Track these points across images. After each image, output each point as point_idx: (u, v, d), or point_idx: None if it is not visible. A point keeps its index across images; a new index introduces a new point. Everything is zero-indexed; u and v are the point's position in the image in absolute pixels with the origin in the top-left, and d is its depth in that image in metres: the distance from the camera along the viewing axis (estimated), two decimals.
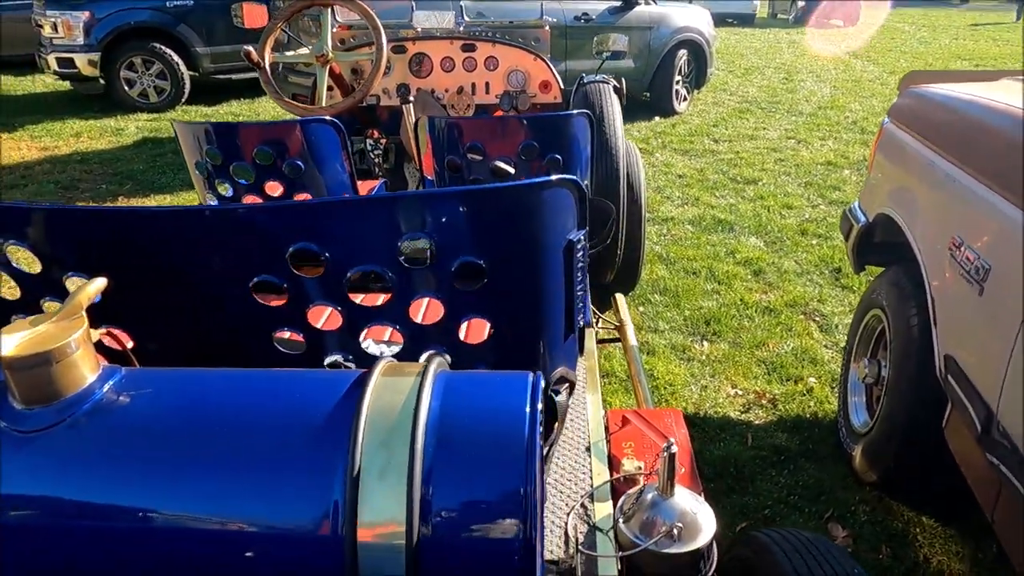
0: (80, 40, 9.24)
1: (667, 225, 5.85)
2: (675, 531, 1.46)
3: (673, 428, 1.94)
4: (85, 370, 0.90)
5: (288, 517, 0.83)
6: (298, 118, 2.44)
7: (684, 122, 9.17)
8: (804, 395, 3.67)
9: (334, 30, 3.49)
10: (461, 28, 3.76)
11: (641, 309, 4.55)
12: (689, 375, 3.86)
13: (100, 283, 0.97)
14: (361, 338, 1.30)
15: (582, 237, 1.35)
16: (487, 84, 3.61)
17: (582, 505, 1.69)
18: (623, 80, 3.68)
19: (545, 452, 1.48)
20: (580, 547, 1.54)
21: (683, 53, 9.33)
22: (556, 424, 1.48)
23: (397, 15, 3.76)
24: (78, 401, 0.88)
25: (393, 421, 0.85)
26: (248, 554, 0.83)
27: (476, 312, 1.27)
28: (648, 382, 3.75)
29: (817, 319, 4.42)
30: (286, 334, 1.30)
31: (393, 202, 1.17)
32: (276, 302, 1.23)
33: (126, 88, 9.64)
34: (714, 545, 1.56)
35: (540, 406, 0.89)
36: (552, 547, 1.57)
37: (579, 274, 1.39)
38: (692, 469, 1.80)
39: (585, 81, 3.49)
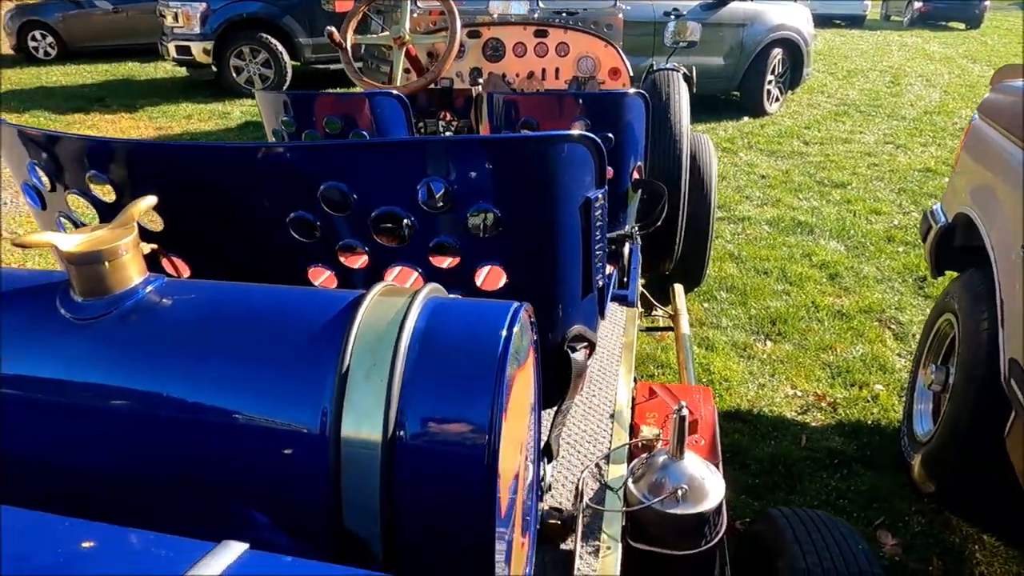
0: (197, 29, 9.96)
1: (743, 224, 5.72)
2: (680, 492, 1.48)
3: (700, 404, 1.94)
4: (133, 273, 1.04)
5: (285, 411, 0.93)
6: (369, 91, 2.59)
7: (774, 123, 8.89)
8: (868, 401, 3.53)
9: (414, 15, 3.65)
10: (536, 15, 3.84)
11: (705, 305, 4.48)
12: (747, 373, 3.78)
13: (150, 200, 1.11)
14: (385, 279, 1.40)
15: (600, 196, 1.39)
16: (557, 70, 3.66)
17: (596, 465, 1.73)
18: (694, 69, 3.64)
19: (562, 406, 1.54)
20: (589, 502, 1.58)
21: (778, 52, 9.04)
22: (572, 380, 1.52)
23: (475, 1, 3.86)
24: (124, 298, 1.02)
25: (382, 331, 0.93)
26: (248, 442, 0.93)
27: (491, 259, 1.34)
28: (703, 376, 3.71)
29: (893, 327, 4.22)
30: (320, 271, 1.42)
31: (412, 146, 1.26)
32: (310, 240, 1.34)
33: (234, 75, 10.31)
34: (723, 514, 1.57)
35: (517, 329, 0.95)
36: (562, 500, 1.62)
37: (597, 233, 1.43)
38: (713, 443, 1.80)
39: (655, 68, 3.48)
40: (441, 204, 1.28)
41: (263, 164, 1.27)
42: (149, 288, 1.05)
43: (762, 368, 3.82)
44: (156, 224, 1.42)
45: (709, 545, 1.52)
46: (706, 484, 1.52)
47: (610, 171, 2.57)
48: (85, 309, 1.00)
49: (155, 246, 1.23)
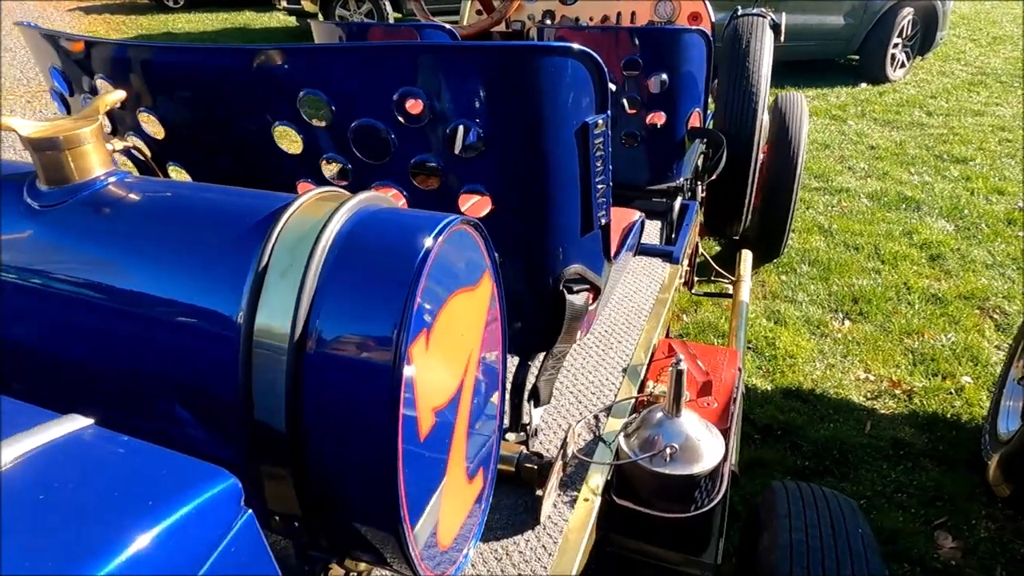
0: None
1: (839, 196, 5.29)
2: (669, 451, 1.37)
3: (722, 366, 1.80)
4: (94, 164, 1.05)
5: (207, 304, 0.91)
6: (419, 22, 2.54)
7: (895, 91, 8.13)
8: (951, 394, 3.20)
9: None
10: None
11: (783, 278, 4.20)
12: (817, 351, 3.52)
13: (118, 95, 1.12)
14: None
15: (601, 122, 1.28)
16: (633, 13, 3.46)
17: (595, 416, 1.64)
18: (783, 15, 3.33)
19: (554, 350, 1.46)
20: (577, 452, 1.50)
21: (908, 12, 8.20)
22: (566, 323, 1.44)
23: None
24: (83, 188, 1.03)
25: (304, 232, 0.89)
26: (169, 332, 0.93)
27: (475, 183, 1.27)
28: (766, 350, 3.49)
29: (996, 316, 3.79)
30: (308, 186, 1.39)
31: (384, 51, 1.19)
32: (295, 151, 1.32)
33: None
34: (720, 481, 1.45)
35: (450, 244, 0.88)
36: (550, 446, 1.55)
37: (598, 164, 1.32)
38: (726, 408, 1.66)
39: (739, 13, 3.21)
40: (422, 118, 1.21)
41: (243, 68, 1.24)
42: (110, 181, 1.06)
43: (834, 348, 3.55)
44: (159, 132, 1.44)
45: (699, 511, 1.41)
46: (701, 446, 1.41)
47: (662, 116, 2.41)
48: (45, 197, 1.02)
49: (128, 143, 1.24)
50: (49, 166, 1.02)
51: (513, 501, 1.40)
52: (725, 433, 1.59)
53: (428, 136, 1.23)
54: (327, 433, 0.86)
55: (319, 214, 0.91)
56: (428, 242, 0.86)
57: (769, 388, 3.25)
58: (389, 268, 0.85)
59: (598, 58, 1.22)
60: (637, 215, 1.85)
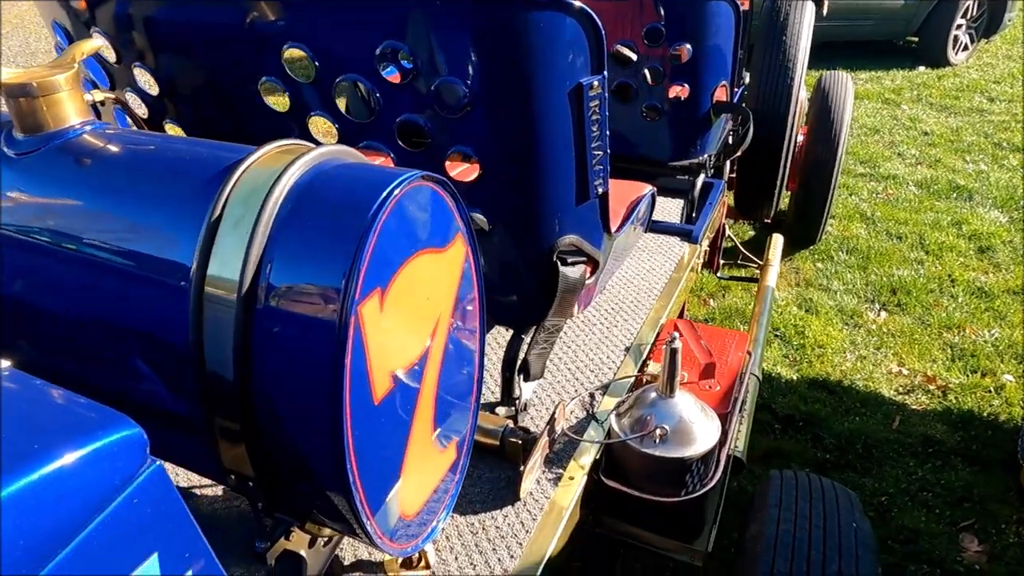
0: None
1: (886, 183, 5.06)
2: (659, 432, 1.32)
3: (729, 349, 1.72)
4: (69, 112, 1.04)
5: (163, 253, 0.89)
6: None
7: (956, 75, 7.72)
8: (990, 392, 3.04)
9: None
10: None
11: (818, 265, 4.04)
12: (848, 342, 3.39)
13: (94, 43, 1.10)
14: None
15: (597, 83, 1.21)
16: None
17: (591, 395, 1.59)
18: None
19: (545, 323, 1.41)
20: (567, 430, 1.46)
21: None
22: (558, 295, 1.38)
23: None
24: (56, 136, 1.02)
25: (259, 183, 0.86)
26: (127, 282, 0.91)
27: (462, 144, 1.22)
28: (794, 339, 3.38)
29: None
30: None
31: (364, 2, 1.14)
32: (282, 109, 1.29)
33: None
34: (715, 467, 1.39)
35: (412, 202, 0.84)
36: (540, 422, 1.51)
37: (594, 128, 1.26)
38: (728, 391, 1.59)
39: None
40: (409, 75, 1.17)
41: (228, 21, 1.22)
42: (85, 130, 1.05)
43: (867, 339, 3.40)
44: (154, 87, 1.43)
45: (688, 496, 1.35)
46: (695, 429, 1.35)
47: (685, 89, 2.31)
48: (20, 144, 1.02)
49: (109, 94, 1.23)
50: (23, 113, 1.01)
51: (496, 475, 1.37)
52: (725, 417, 1.53)
53: (414, 94, 1.18)
54: (274, 388, 0.84)
55: (276, 166, 0.88)
56: (382, 197, 0.82)
57: (794, 377, 3.14)
58: (340, 222, 0.82)
59: (594, 15, 1.15)
60: (647, 188, 1.77)
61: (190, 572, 0.65)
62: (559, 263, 1.37)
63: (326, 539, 1.13)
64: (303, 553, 1.09)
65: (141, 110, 1.50)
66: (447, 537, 1.23)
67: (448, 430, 1.10)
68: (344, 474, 0.84)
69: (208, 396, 0.87)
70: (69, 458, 0.53)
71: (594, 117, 1.24)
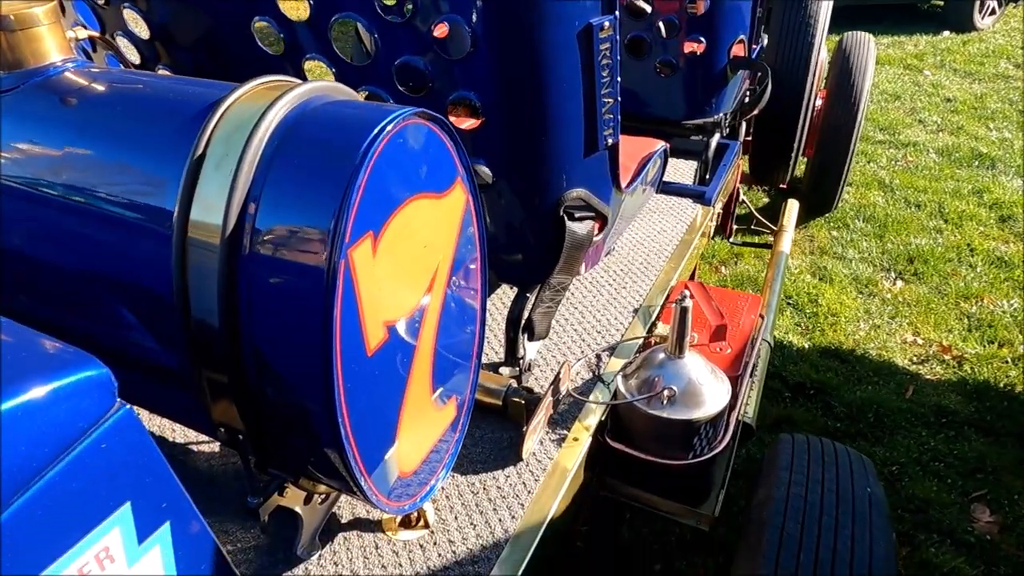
0: None
1: (905, 150, 4.93)
2: (667, 393, 1.27)
3: (742, 311, 1.67)
4: (49, 48, 0.99)
5: (147, 196, 0.85)
6: None
7: (981, 40, 7.49)
8: (1007, 363, 2.98)
9: None
10: None
11: (834, 233, 3.96)
12: (863, 310, 3.32)
13: None
14: None
15: (608, 24, 1.14)
16: None
17: (597, 355, 1.54)
18: None
19: (551, 281, 1.36)
20: (572, 391, 1.42)
21: None
22: (564, 252, 1.33)
23: None
24: (36, 73, 0.98)
25: (244, 120, 0.81)
26: (110, 225, 0.87)
27: (463, 89, 1.16)
28: (807, 307, 3.31)
29: None
30: None
31: None
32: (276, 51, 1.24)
33: None
34: (724, 430, 1.35)
35: (391, 132, 0.79)
36: (545, 383, 1.47)
37: (604, 74, 1.19)
38: (740, 354, 1.54)
39: None
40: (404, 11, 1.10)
41: None
42: (68, 67, 1.00)
43: (882, 308, 3.33)
44: (144, 31, 1.37)
45: (696, 460, 1.31)
46: (703, 391, 1.30)
47: (701, 44, 2.22)
48: (1, 82, 0.97)
49: (95, 32, 1.18)
50: (3, 48, 0.97)
51: (498, 436, 1.33)
52: (736, 380, 1.48)
53: (414, 34, 1.12)
54: (262, 337, 0.80)
55: (262, 102, 0.83)
56: (374, 133, 0.76)
57: (806, 346, 3.09)
58: (328, 162, 0.76)
59: None
60: (659, 144, 1.70)
61: (167, 524, 0.62)
62: (566, 218, 1.32)
63: (323, 496, 1.10)
64: (298, 510, 1.06)
65: (134, 57, 1.45)
66: (447, 497, 1.20)
67: (448, 387, 1.06)
68: (335, 428, 0.81)
69: (195, 346, 0.83)
70: (30, 395, 0.49)
71: (604, 61, 1.17)
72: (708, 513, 1.34)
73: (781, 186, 3.43)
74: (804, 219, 4.01)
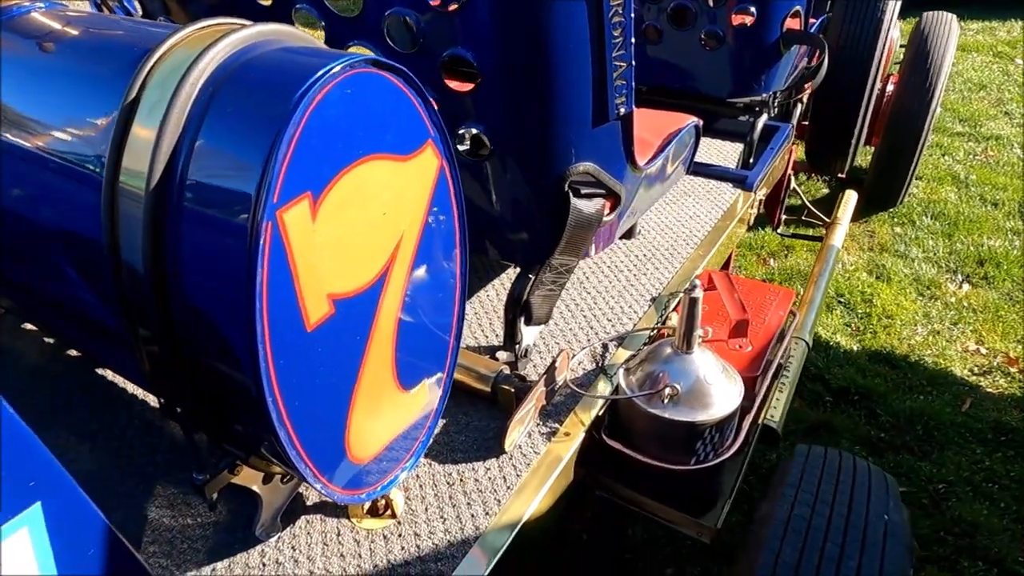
0: None
1: (987, 144, 4.56)
2: (669, 392, 1.16)
3: (770, 306, 1.53)
4: None
5: (83, 142, 0.79)
6: None
7: None
8: None
9: None
10: None
11: (897, 230, 3.69)
12: (921, 314, 3.08)
13: None
14: None
15: None
16: None
17: (603, 345, 1.43)
18: None
19: (552, 261, 1.26)
20: (571, 382, 1.32)
21: None
22: (567, 230, 1.22)
23: None
24: (4, 12, 0.93)
25: (179, 64, 0.74)
26: (48, 168, 0.82)
27: (460, 46, 1.06)
28: (860, 307, 3.09)
29: None
30: None
31: None
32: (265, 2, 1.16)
33: None
34: (733, 434, 1.23)
35: (335, 82, 0.70)
36: (542, 371, 1.37)
37: (616, 34, 1.07)
38: (762, 352, 1.41)
39: None
40: None
41: None
42: (35, 7, 0.95)
43: (943, 313, 3.09)
44: None
45: (700, 466, 1.20)
46: (712, 392, 1.18)
47: (751, 15, 2.04)
48: None
49: None
50: None
51: (485, 424, 1.25)
52: (753, 381, 1.35)
53: None
54: (188, 301, 0.73)
55: (200, 46, 0.75)
56: (310, 82, 0.68)
57: (854, 348, 2.89)
58: (259, 112, 0.68)
59: None
60: (689, 120, 1.56)
61: (38, 504, 0.55)
62: (571, 194, 1.21)
63: (285, 476, 1.04)
64: (256, 489, 1.00)
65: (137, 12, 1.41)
66: (421, 486, 1.13)
67: (417, 369, 0.98)
68: (264, 406, 0.73)
69: (126, 303, 0.77)
70: None
71: (616, 19, 1.05)
72: (711, 525, 1.23)
73: (840, 176, 3.19)
74: (865, 213, 3.75)
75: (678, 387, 1.16)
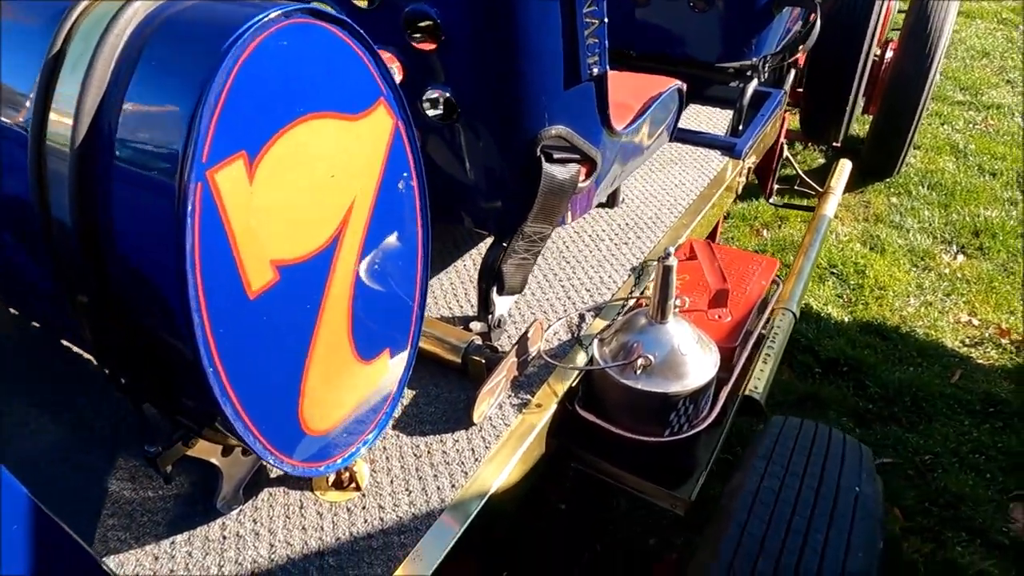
0: None
1: (987, 112, 4.49)
2: (641, 362, 1.13)
3: (751, 275, 1.49)
4: None
5: (11, 98, 0.75)
6: None
7: None
8: None
9: None
10: None
11: (893, 200, 3.64)
12: (915, 285, 3.05)
13: None
14: None
15: None
16: None
17: (580, 315, 1.40)
18: None
19: (524, 228, 1.23)
20: (544, 352, 1.29)
21: None
22: (539, 196, 1.18)
23: None
24: None
25: (106, 11, 0.69)
26: None
27: (420, 2, 1.01)
28: (852, 278, 3.06)
29: None
30: None
31: None
32: None
33: None
34: (711, 407, 1.21)
35: (267, 32, 0.65)
36: (503, 339, 1.35)
37: None
38: (741, 323, 1.38)
39: None
40: None
41: None
42: None
43: (937, 284, 3.05)
44: None
45: (673, 438, 1.17)
46: (687, 362, 1.15)
47: None
48: None
49: None
50: None
51: (456, 396, 1.22)
52: (732, 352, 1.32)
53: None
54: (117, 264, 0.70)
55: None
56: (239, 32, 0.63)
57: (845, 319, 2.86)
58: (188, 64, 0.64)
59: None
60: (671, 84, 1.51)
61: None
62: (543, 159, 1.17)
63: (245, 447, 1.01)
64: (215, 461, 0.98)
65: None
66: (387, 458, 1.11)
67: (377, 339, 0.95)
68: (205, 376, 0.71)
69: (60, 266, 0.74)
70: None
71: None
72: (684, 497, 1.21)
73: (835, 145, 3.14)
74: (861, 183, 3.70)
75: (651, 358, 1.13)
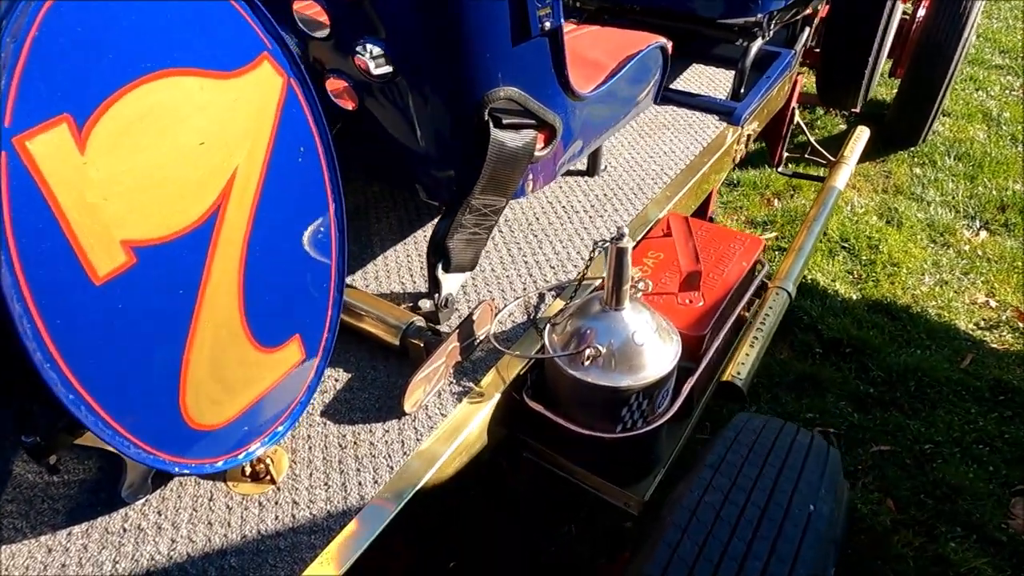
0: None
1: None
2: (589, 353, 1.03)
3: (731, 255, 1.37)
4: None
5: None
6: None
7: None
8: None
9: None
10: None
11: (916, 171, 3.44)
12: (931, 262, 2.88)
13: None
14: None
15: None
16: None
17: (540, 295, 1.30)
18: None
19: (471, 200, 1.11)
20: (494, 337, 1.19)
21: None
22: (487, 165, 1.07)
23: None
24: None
25: None
26: None
27: None
28: (864, 253, 2.90)
29: None
30: None
31: None
32: None
33: None
34: (667, 401, 1.10)
35: None
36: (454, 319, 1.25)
37: None
38: (713, 308, 1.26)
39: None
40: None
41: None
42: None
43: (954, 261, 2.89)
44: None
45: (625, 434, 1.08)
46: (644, 353, 1.05)
47: None
48: None
49: None
50: None
51: (393, 381, 1.13)
52: (700, 340, 1.21)
53: None
54: None
55: None
56: None
57: (854, 297, 2.72)
58: None
59: None
60: (653, 41, 1.37)
61: None
62: (491, 123, 1.05)
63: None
64: (112, 449, 0.90)
65: None
66: (310, 448, 1.03)
67: (281, 325, 0.85)
68: (39, 372, 0.62)
69: None
70: None
71: None
72: (638, 496, 1.12)
73: (854, 111, 2.94)
74: (883, 151, 3.50)
75: (601, 348, 1.03)
